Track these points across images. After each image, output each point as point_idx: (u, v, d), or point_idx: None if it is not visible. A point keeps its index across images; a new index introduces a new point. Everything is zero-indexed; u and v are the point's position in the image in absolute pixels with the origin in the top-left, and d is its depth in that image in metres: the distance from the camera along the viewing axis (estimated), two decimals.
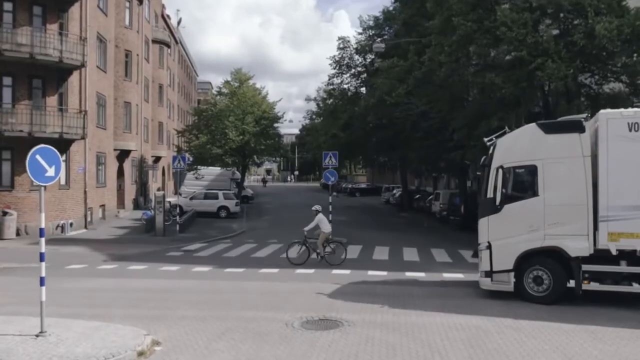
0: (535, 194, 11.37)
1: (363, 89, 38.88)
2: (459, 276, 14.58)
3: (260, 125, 36.94)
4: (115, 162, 31.84)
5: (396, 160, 38.89)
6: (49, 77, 23.14)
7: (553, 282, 11.15)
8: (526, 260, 11.34)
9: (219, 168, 40.39)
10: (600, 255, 10.88)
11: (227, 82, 39.22)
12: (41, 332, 8.08)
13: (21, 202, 22.50)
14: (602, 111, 11.21)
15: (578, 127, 11.11)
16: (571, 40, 16.85)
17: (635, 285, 10.89)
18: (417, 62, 21.79)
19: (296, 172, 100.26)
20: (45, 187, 8.35)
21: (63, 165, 23.43)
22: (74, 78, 24.24)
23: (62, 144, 23.39)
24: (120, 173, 33.19)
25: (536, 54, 16.75)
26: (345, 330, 9.07)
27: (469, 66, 19.54)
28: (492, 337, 8.73)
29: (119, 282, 13.81)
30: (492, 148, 12.03)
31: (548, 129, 11.41)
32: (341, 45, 39.53)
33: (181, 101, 60.80)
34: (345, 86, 40.58)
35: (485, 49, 17.94)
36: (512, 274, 11.41)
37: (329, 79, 42.13)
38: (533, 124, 11.75)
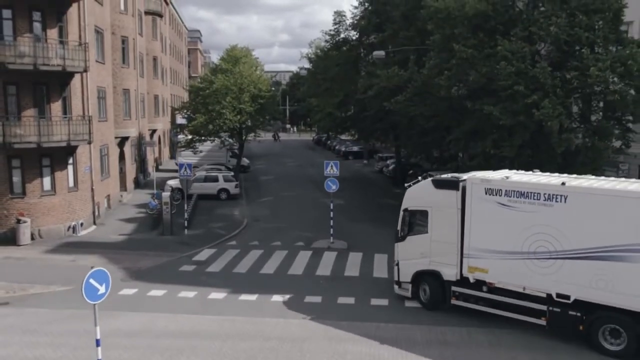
0: (426, 231, 15.51)
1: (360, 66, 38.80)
2: None
3: (257, 105, 37.24)
4: (117, 148, 32.37)
5: (392, 139, 39.59)
6: (52, 83, 23.26)
7: (431, 294, 15.49)
8: (418, 276, 15.76)
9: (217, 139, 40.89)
10: (465, 281, 14.69)
11: (222, 59, 39.05)
12: None
13: (33, 208, 23.30)
14: (469, 177, 14.61)
15: (455, 186, 14.70)
16: (567, 76, 17.50)
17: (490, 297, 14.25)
18: (417, 72, 22.23)
19: (288, 126, 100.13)
20: (95, 304, 9.35)
21: (71, 168, 24.29)
22: (76, 80, 24.38)
23: (69, 149, 24.00)
24: (121, 157, 33.75)
25: (533, 88, 17.45)
26: None
27: (467, 95, 20.15)
28: None
29: (144, 320, 14.99)
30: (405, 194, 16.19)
31: (437, 185, 15.21)
32: (337, 20, 39.27)
33: (173, 62, 60.09)
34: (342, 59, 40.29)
35: (484, 78, 18.52)
36: (411, 285, 15.99)
37: (325, 53, 42.08)
38: (429, 180, 15.64)
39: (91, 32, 25.75)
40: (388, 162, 46.04)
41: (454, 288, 14.92)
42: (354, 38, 39.25)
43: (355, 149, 58.50)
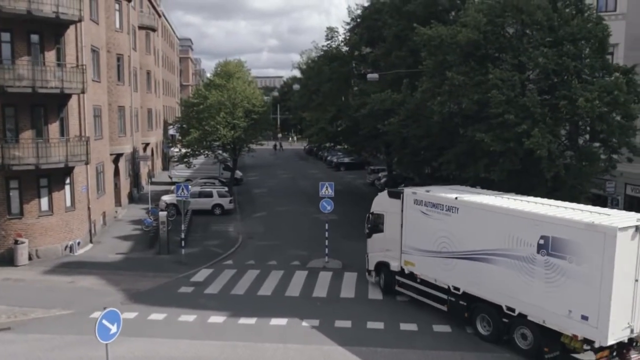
0: (383, 230, 19.57)
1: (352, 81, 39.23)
2: (446, 329, 16.50)
3: (251, 120, 37.63)
4: (112, 165, 32.57)
5: (384, 154, 40.14)
6: (50, 104, 23.53)
7: (385, 281, 19.49)
8: (378, 266, 19.80)
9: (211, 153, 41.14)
10: (404, 272, 18.37)
11: (216, 74, 39.42)
12: None
13: (31, 228, 23.48)
14: (405, 189, 18.57)
15: (399, 196, 18.46)
16: (556, 104, 18.12)
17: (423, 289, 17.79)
18: (410, 96, 22.76)
19: (280, 135, 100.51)
20: (107, 344, 9.68)
21: (68, 188, 24.47)
22: (73, 101, 24.65)
23: (66, 170, 24.22)
24: (116, 172, 33.95)
25: (523, 116, 18.04)
26: None
27: (459, 115, 20.74)
28: None
29: (146, 347, 15.22)
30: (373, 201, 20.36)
31: (390, 195, 19.23)
32: (329, 36, 39.78)
33: (166, 73, 60.30)
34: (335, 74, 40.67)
35: (475, 105, 19.10)
36: (374, 272, 20.19)
37: (316, 64, 42.51)
38: (385, 191, 19.84)
39: (88, 52, 26.02)
40: (380, 174, 46.54)
41: (397, 277, 18.83)
42: (346, 54, 39.67)
43: (346, 160, 58.85)
